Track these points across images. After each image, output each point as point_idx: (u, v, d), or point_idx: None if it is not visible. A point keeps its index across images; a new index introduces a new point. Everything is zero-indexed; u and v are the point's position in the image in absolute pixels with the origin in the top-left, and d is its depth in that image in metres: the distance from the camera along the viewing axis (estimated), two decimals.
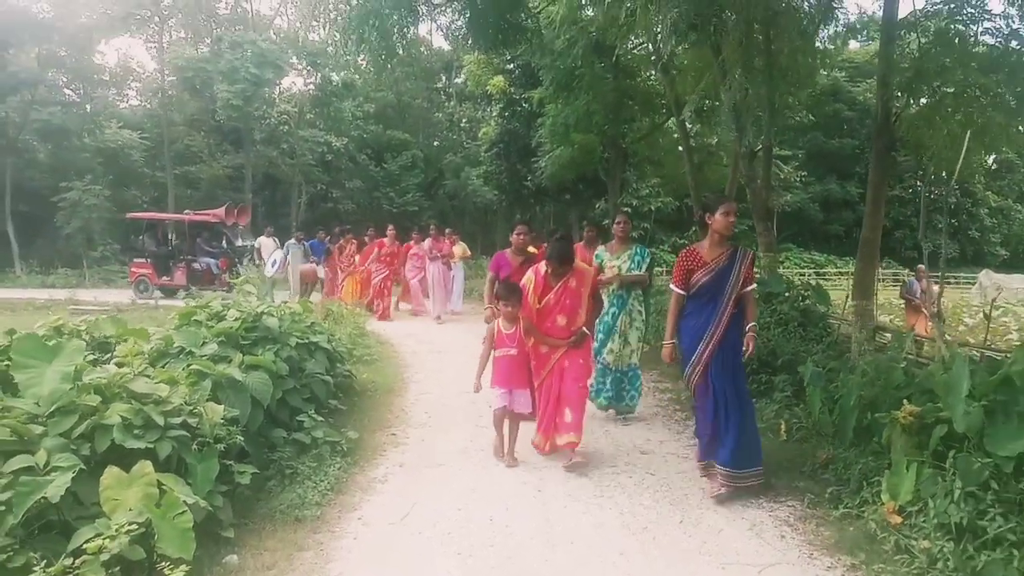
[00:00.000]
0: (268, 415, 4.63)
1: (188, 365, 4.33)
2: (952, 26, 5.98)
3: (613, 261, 6.31)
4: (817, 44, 9.09)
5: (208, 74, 29.41)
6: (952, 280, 31.78)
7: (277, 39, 34.51)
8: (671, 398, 7.27)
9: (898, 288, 28.15)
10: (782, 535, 3.95)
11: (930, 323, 8.53)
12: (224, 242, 19.68)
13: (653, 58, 11.39)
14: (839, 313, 8.33)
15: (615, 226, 6.46)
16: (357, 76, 33.31)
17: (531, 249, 6.77)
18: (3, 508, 2.89)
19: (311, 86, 34.51)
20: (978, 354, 5.37)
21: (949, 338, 6.02)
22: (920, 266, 12.44)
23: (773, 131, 8.58)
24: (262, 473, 4.27)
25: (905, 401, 4.23)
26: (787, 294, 8.16)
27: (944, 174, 8.86)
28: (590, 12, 12.11)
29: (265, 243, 16.28)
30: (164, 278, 19.28)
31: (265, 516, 3.98)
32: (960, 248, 40.32)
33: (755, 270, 4.80)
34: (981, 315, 12.91)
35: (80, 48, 29.67)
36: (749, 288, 4.60)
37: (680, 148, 15.65)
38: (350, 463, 4.95)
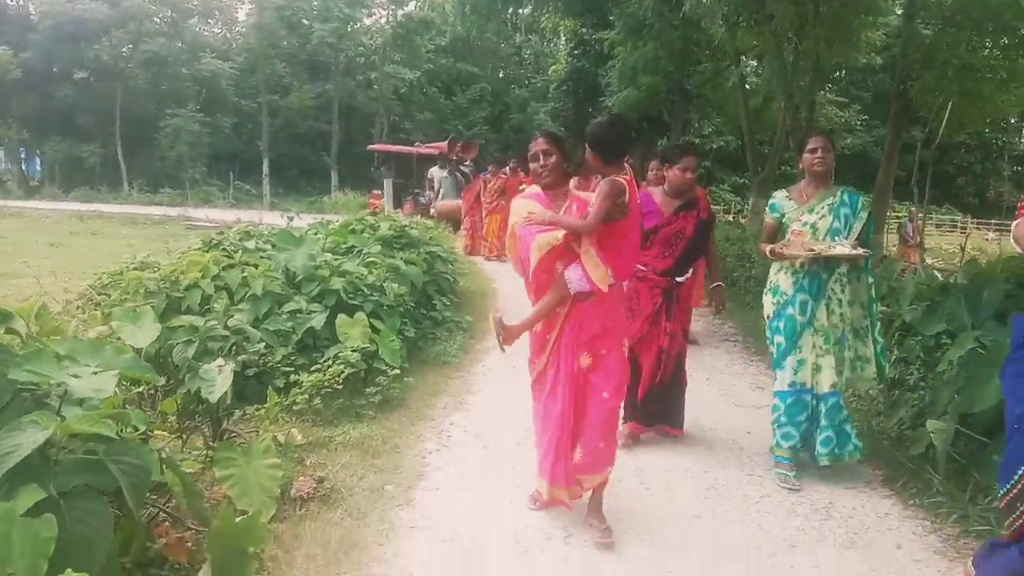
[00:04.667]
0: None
1: (364, 259, 6.21)
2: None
3: (803, 215, 3.93)
4: None
5: (303, 12, 31.34)
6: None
7: None
8: None
9: (955, 234, 28.79)
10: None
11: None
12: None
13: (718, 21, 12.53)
14: None
15: (806, 156, 3.90)
16: (434, 13, 34.60)
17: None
18: (290, 331, 4.83)
19: (391, 23, 35.95)
20: (954, 276, 6.85)
21: (929, 262, 7.45)
22: (912, 209, 13.73)
23: (817, 86, 9.82)
24: (415, 335, 6.17)
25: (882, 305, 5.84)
26: None
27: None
28: None
29: (436, 174, 16.20)
30: (397, 210, 18.95)
31: (422, 361, 5.90)
32: None
33: None
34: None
35: None
36: None
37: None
38: (469, 336, 6.86)
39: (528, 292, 3.36)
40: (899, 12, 8.21)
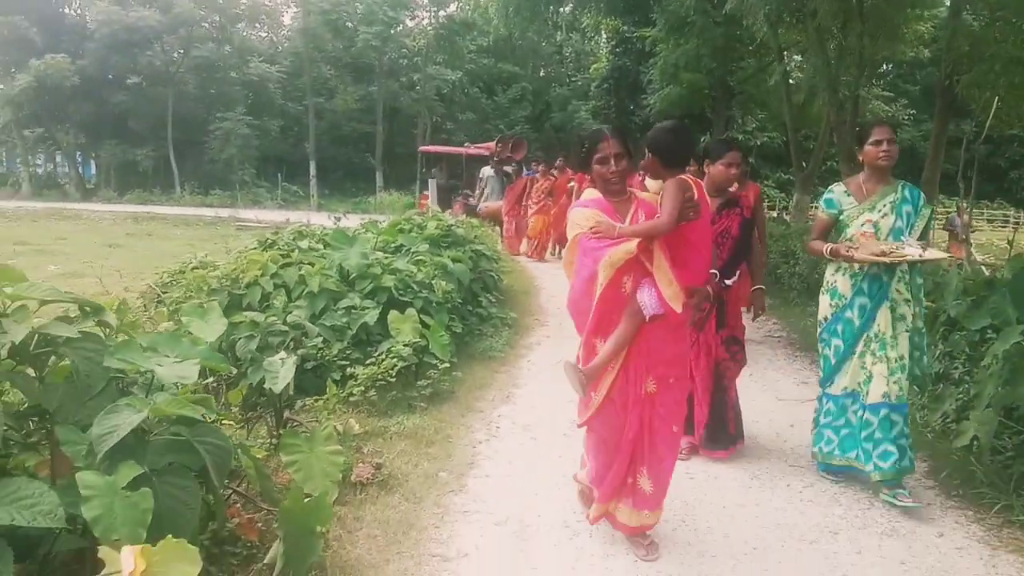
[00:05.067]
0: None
1: (412, 257, 6.42)
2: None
3: (865, 214, 3.68)
4: None
5: (347, 15, 32.01)
6: None
7: None
8: None
9: (1008, 229, 28.02)
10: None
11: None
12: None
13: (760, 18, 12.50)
14: None
15: (870, 149, 3.64)
16: (475, 14, 34.92)
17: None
18: (345, 326, 5.06)
19: (433, 25, 36.40)
20: (1000, 271, 6.79)
21: (979, 258, 7.37)
22: (962, 203, 13.45)
23: (862, 81, 9.75)
24: (463, 331, 6.36)
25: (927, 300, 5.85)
26: None
27: None
28: None
29: (487, 173, 16.29)
30: (447, 211, 18.84)
31: (469, 356, 6.08)
32: None
33: None
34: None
35: None
36: None
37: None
38: (514, 332, 7.03)
39: (572, 309, 3.12)
40: (947, 4, 8.12)
